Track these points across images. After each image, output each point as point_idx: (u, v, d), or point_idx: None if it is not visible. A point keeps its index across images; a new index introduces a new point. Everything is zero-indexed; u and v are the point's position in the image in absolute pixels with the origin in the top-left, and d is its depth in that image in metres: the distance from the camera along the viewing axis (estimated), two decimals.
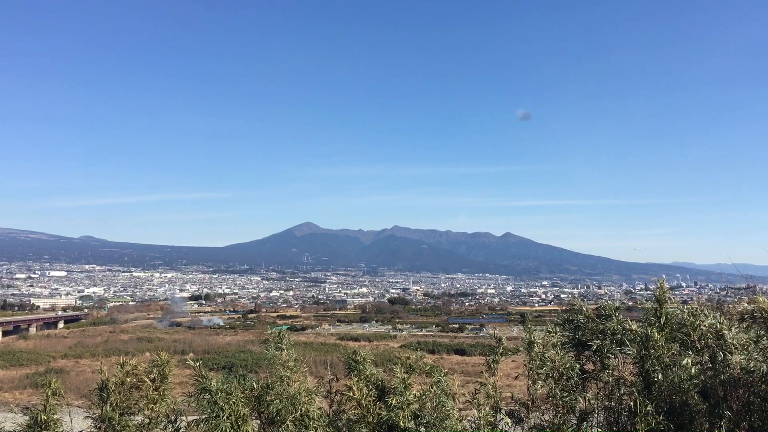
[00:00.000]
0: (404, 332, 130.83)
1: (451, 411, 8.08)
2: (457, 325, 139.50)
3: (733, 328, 7.83)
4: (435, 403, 8.16)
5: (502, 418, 8.53)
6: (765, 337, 7.48)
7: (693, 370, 7.56)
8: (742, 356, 7.62)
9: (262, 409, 8.50)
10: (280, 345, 9.18)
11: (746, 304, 7.66)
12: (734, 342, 7.67)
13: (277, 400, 8.33)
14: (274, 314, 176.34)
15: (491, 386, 8.71)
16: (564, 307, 10.51)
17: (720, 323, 7.84)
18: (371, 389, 8.51)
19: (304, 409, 8.36)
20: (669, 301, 8.33)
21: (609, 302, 9.80)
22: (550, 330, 9.18)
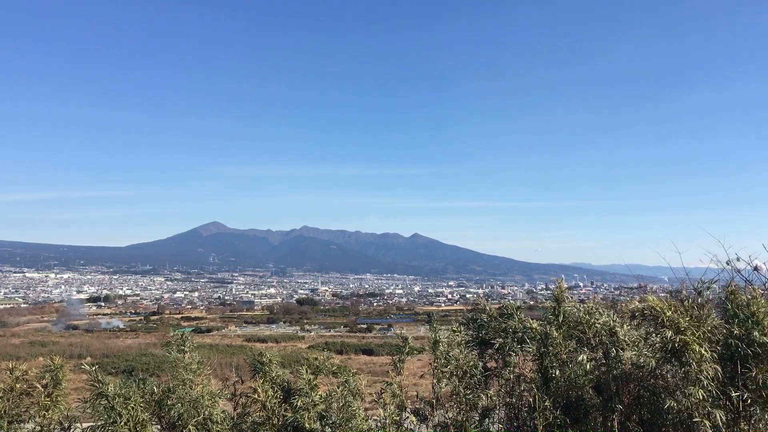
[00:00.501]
0: (312, 333, 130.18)
1: (357, 411, 8.11)
2: (365, 326, 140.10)
3: (625, 326, 8.25)
4: (341, 404, 8.17)
5: (408, 417, 8.63)
6: (654, 334, 7.89)
7: (588, 366, 7.91)
8: (633, 352, 8.05)
9: (163, 414, 8.24)
10: (182, 347, 8.93)
11: (637, 303, 8.08)
12: (626, 339, 8.08)
13: (179, 404, 8.10)
14: (178, 316, 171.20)
15: (397, 385, 8.80)
16: (469, 307, 10.75)
17: (613, 321, 8.24)
18: (277, 391, 8.42)
19: (207, 412, 8.16)
20: (567, 300, 8.67)
21: (511, 302, 10.10)
22: (455, 329, 9.38)
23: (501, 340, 9.07)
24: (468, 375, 8.81)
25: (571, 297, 9.24)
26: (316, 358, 8.91)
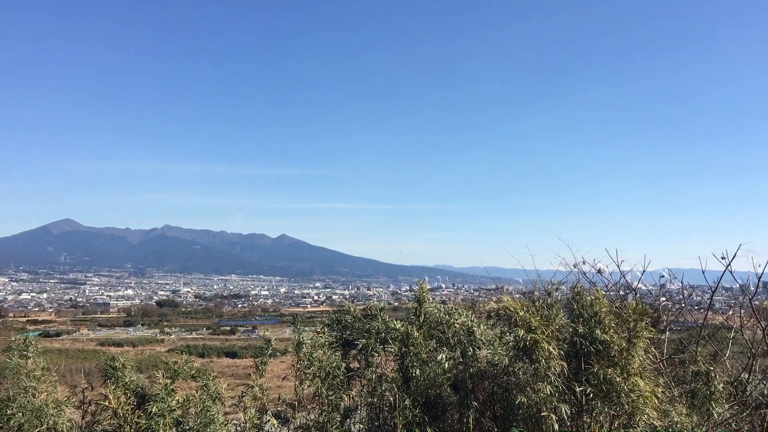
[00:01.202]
0: (173, 336, 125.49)
1: (216, 415, 7.88)
2: (229, 328, 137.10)
3: (481, 325, 8.60)
4: (199, 408, 7.91)
5: (269, 420, 8.51)
6: (508, 333, 8.28)
7: (447, 365, 8.17)
8: (489, 351, 8.41)
9: (2, 424, 7.59)
10: (25, 352, 8.26)
11: (492, 303, 8.44)
12: (482, 338, 8.43)
13: (20, 413, 7.49)
14: (24, 319, 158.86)
15: (258, 388, 8.64)
16: (335, 308, 10.79)
17: (471, 321, 8.57)
18: (130, 397, 8.00)
19: (51, 422, 7.61)
20: (428, 301, 8.91)
21: (375, 303, 10.23)
22: (319, 331, 9.35)
23: (364, 340, 9.16)
24: (331, 376, 8.81)
25: (434, 298, 9.51)
26: (175, 362, 8.58)
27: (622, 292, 12.74)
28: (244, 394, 8.35)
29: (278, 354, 10.02)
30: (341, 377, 8.87)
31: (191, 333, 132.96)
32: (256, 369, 8.96)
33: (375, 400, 8.95)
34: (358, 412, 9.04)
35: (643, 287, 14.00)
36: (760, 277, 12.26)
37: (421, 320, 8.67)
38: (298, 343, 8.86)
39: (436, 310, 8.90)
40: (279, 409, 9.28)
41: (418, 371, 8.23)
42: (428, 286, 9.41)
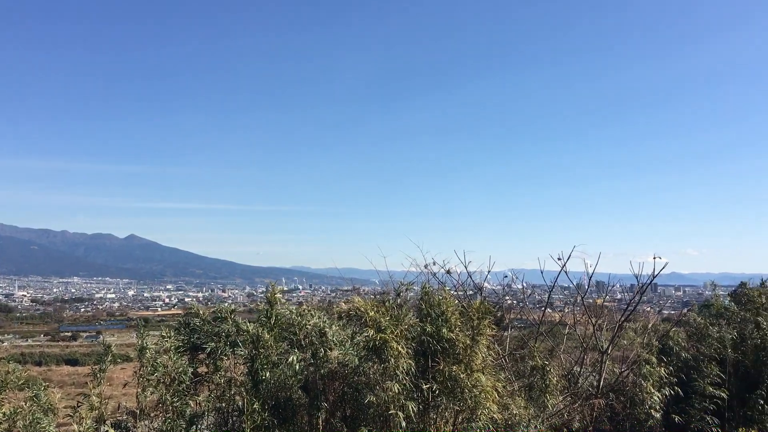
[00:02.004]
0: (5, 344, 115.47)
1: (47, 428, 7.32)
2: (70, 333, 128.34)
3: (333, 326, 8.62)
4: (28, 421, 7.31)
5: (107, 430, 8.02)
6: (359, 333, 8.36)
7: (297, 367, 8.11)
8: (340, 351, 8.44)
9: None
10: None
11: (343, 304, 8.50)
12: (334, 339, 8.45)
13: None
14: None
15: (96, 397, 8.14)
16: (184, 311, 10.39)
17: (323, 322, 8.56)
18: None
19: None
20: (279, 303, 8.79)
21: (226, 305, 9.97)
22: (164, 334, 8.95)
23: (213, 344, 8.90)
24: (176, 382, 8.46)
25: (290, 299, 9.42)
26: (8, 372, 7.93)
27: (470, 292, 13.30)
28: (79, 404, 7.81)
29: (120, 360, 9.49)
30: (187, 383, 8.55)
31: (27, 340, 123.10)
32: (94, 377, 8.42)
33: (223, 404, 8.72)
34: (206, 418, 8.75)
35: (489, 287, 14.70)
36: (590, 277, 13.28)
37: (273, 322, 8.54)
38: (141, 348, 8.42)
39: (289, 312, 8.82)
40: (119, 418, 8.79)
41: (268, 374, 8.10)
42: (285, 288, 9.32)
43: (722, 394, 11.75)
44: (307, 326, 8.45)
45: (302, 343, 8.50)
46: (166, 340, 8.88)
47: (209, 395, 8.86)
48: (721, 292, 15.76)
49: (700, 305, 14.73)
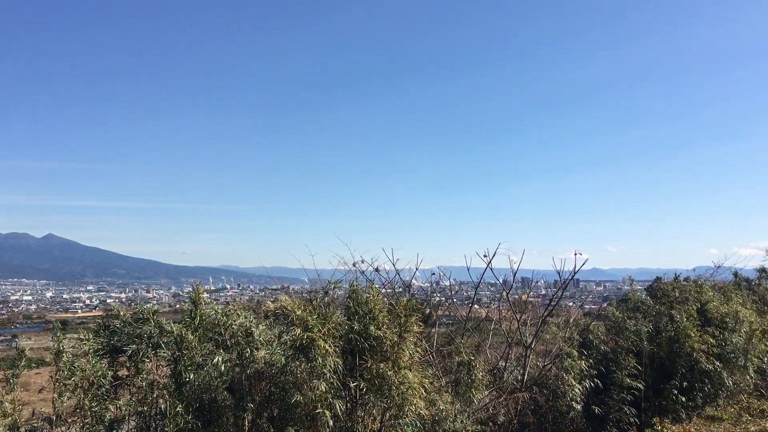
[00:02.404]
0: None
1: None
2: None
3: (260, 326, 8.50)
4: None
5: None
6: (286, 332, 8.27)
7: (223, 368, 7.95)
8: (267, 351, 8.33)
9: None
10: None
11: (270, 303, 8.39)
12: (261, 338, 8.33)
13: None
14: None
15: (10, 403, 7.77)
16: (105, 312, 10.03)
17: (250, 322, 8.42)
18: None
19: None
20: (204, 303, 8.60)
21: (147, 306, 9.68)
22: (83, 337, 8.61)
23: (134, 346, 8.63)
24: (95, 386, 8.15)
25: (218, 299, 9.22)
26: None
27: (400, 289, 13.38)
28: None
29: (36, 365, 9.08)
30: (107, 386, 8.25)
31: None
32: (6, 382, 8.03)
33: (145, 408, 8.46)
34: (126, 422, 8.47)
35: (417, 284, 14.84)
36: (515, 273, 13.59)
37: (197, 323, 8.34)
38: (57, 352, 8.08)
39: (214, 312, 8.63)
40: (35, 425, 8.42)
41: (192, 375, 7.91)
42: (212, 287, 9.13)
43: (639, 385, 12.21)
44: (233, 326, 8.30)
45: (228, 343, 8.34)
46: (85, 343, 8.55)
47: (130, 399, 8.57)
48: (638, 287, 16.41)
49: (619, 300, 15.27)
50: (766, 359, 14.52)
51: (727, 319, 13.66)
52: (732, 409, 11.41)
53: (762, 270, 17.79)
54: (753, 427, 9.35)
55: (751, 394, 13.46)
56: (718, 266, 16.84)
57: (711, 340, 12.95)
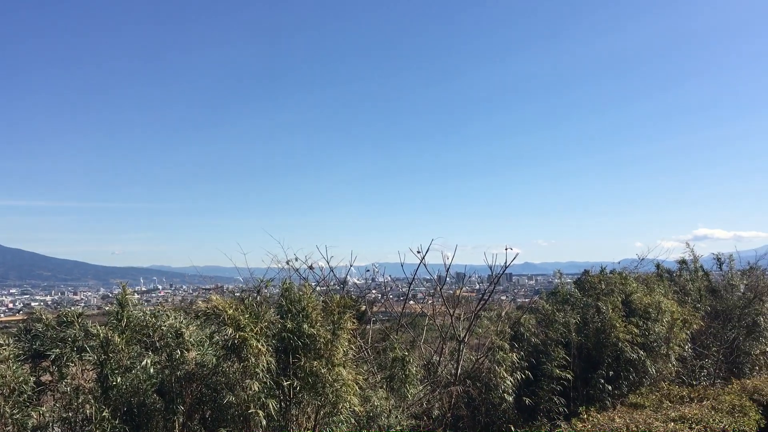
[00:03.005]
0: None
1: None
2: None
3: (191, 326, 8.33)
4: None
5: None
6: (218, 332, 8.14)
7: (152, 371, 7.76)
8: (198, 352, 8.18)
9: None
10: None
11: (201, 303, 8.25)
12: (191, 339, 8.16)
13: None
14: None
15: None
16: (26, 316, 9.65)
17: (180, 323, 8.24)
18: None
19: None
20: (132, 304, 8.36)
21: (72, 309, 9.36)
22: (2, 342, 8.25)
23: (58, 350, 8.32)
24: (16, 392, 7.81)
25: (149, 300, 8.99)
26: None
27: (337, 287, 13.39)
28: None
29: None
30: (29, 393, 7.92)
31: None
32: None
33: (70, 414, 8.16)
34: (50, 429, 8.17)
35: (352, 281, 14.87)
36: (448, 269, 13.79)
37: (125, 324, 8.10)
38: None
39: (142, 313, 8.41)
40: None
41: (119, 379, 7.68)
42: (143, 288, 8.90)
43: (568, 375, 12.57)
44: (163, 327, 8.10)
45: (157, 345, 8.14)
46: (5, 348, 8.19)
47: (54, 405, 8.28)
48: (567, 280, 16.87)
49: (548, 293, 15.66)
50: (686, 347, 15.19)
51: (650, 310, 14.18)
52: (654, 396, 11.85)
53: (682, 262, 18.54)
54: (673, 413, 9.74)
55: (673, 382, 14.01)
56: (642, 259, 17.49)
57: (635, 330, 13.42)
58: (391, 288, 17.37)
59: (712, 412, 10.00)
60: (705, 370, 16.02)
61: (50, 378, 8.54)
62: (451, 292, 15.48)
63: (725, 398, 10.99)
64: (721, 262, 18.91)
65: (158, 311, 8.47)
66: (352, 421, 8.58)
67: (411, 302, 15.62)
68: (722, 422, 9.68)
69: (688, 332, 14.89)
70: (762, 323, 16.50)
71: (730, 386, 12.62)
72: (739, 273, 18.45)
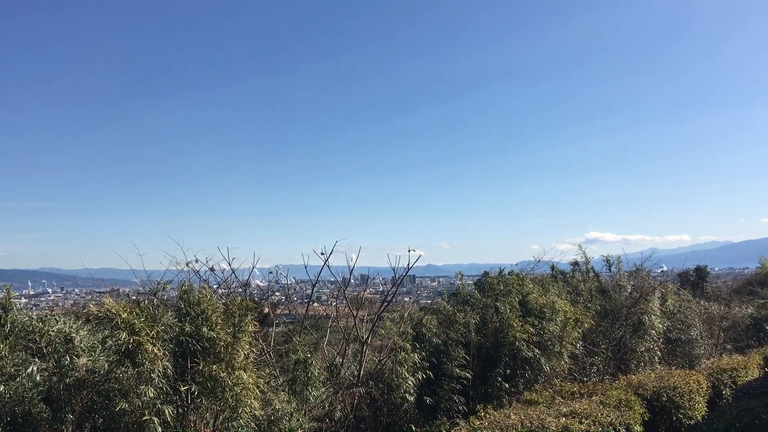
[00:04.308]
0: None
1: None
2: None
3: (81, 331, 7.96)
4: None
5: None
6: (111, 337, 7.82)
7: (38, 378, 7.37)
8: (90, 358, 7.82)
9: None
10: None
11: (92, 307, 7.92)
12: (82, 345, 7.81)
13: None
14: None
15: None
16: None
17: (70, 327, 7.86)
18: None
19: None
20: (16, 308, 7.90)
21: None
22: None
23: None
24: None
25: (39, 305, 8.50)
26: None
27: (240, 289, 13.14)
28: None
29: None
30: None
31: None
32: None
33: None
34: None
35: (255, 282, 14.65)
36: (352, 270, 13.83)
37: (8, 329, 7.64)
38: None
39: (28, 318, 7.96)
40: None
41: (2, 388, 7.24)
42: (32, 292, 8.40)
43: (467, 374, 12.86)
44: (50, 332, 7.70)
45: (45, 351, 7.73)
46: None
47: None
48: (468, 281, 17.27)
49: (450, 294, 15.98)
50: (578, 345, 15.88)
51: (545, 310, 14.72)
52: (547, 393, 12.32)
53: (575, 263, 19.38)
54: (564, 408, 10.17)
55: (565, 378, 14.60)
56: (538, 260, 18.14)
57: (531, 329, 13.89)
58: (295, 290, 17.23)
59: (601, 407, 10.51)
60: (595, 367, 16.78)
61: None
62: (356, 293, 15.51)
63: (612, 393, 11.57)
64: (610, 263, 19.95)
65: (46, 315, 8.05)
66: (253, 425, 8.46)
67: (315, 304, 15.55)
68: (610, 416, 10.19)
69: (580, 331, 15.54)
70: (647, 322, 17.45)
71: (617, 382, 13.30)
72: (626, 274, 19.51)
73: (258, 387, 8.21)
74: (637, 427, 10.68)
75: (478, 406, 11.21)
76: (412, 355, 12.18)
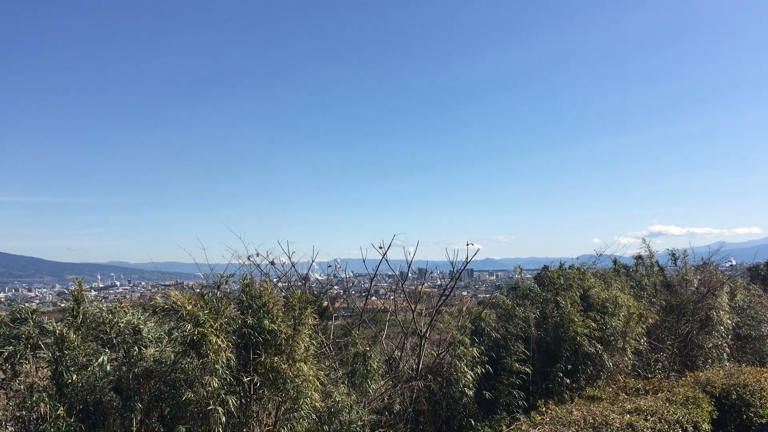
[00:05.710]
0: None
1: None
2: None
3: (149, 323, 8.20)
4: None
5: None
6: (176, 329, 8.03)
7: (108, 368, 7.62)
8: (157, 348, 8.06)
9: None
10: None
11: (158, 299, 8.14)
12: (150, 336, 8.05)
13: None
14: None
15: None
16: None
17: (138, 319, 8.11)
18: None
19: None
20: (88, 300, 8.20)
21: (26, 305, 9.12)
22: None
23: (11, 348, 8.10)
24: None
25: (107, 297, 8.82)
26: None
27: (299, 283, 13.33)
28: None
29: None
30: None
31: None
32: None
33: (24, 412, 7.98)
34: (3, 428, 7.98)
35: (314, 276, 14.83)
36: (410, 264, 13.84)
37: (80, 321, 7.94)
38: None
39: (99, 310, 8.25)
40: None
41: (75, 376, 7.53)
42: (101, 285, 8.71)
43: (527, 369, 12.73)
44: (120, 324, 7.97)
45: (114, 341, 8.01)
46: None
47: (7, 403, 8.08)
48: (527, 275, 17.07)
49: (509, 288, 15.82)
50: (642, 341, 15.50)
51: (607, 304, 14.43)
52: (610, 389, 12.06)
53: (638, 257, 18.91)
54: (629, 405, 9.93)
55: (629, 374, 14.27)
56: (600, 254, 17.80)
57: (593, 324, 13.64)
58: (353, 284, 17.38)
59: (667, 404, 10.22)
60: (660, 363, 16.36)
61: (3, 376, 8.33)
62: (413, 287, 15.53)
63: (679, 390, 11.24)
64: (676, 257, 19.37)
65: (115, 307, 8.32)
66: (313, 416, 8.57)
67: (373, 298, 15.65)
68: (676, 414, 9.90)
69: (644, 326, 15.17)
70: (714, 317, 16.91)
71: (684, 379, 12.92)
72: (692, 268, 18.91)
73: (318, 379, 8.30)
74: (705, 425, 10.34)
75: (540, 402, 11.07)
76: (470, 349, 12.13)
